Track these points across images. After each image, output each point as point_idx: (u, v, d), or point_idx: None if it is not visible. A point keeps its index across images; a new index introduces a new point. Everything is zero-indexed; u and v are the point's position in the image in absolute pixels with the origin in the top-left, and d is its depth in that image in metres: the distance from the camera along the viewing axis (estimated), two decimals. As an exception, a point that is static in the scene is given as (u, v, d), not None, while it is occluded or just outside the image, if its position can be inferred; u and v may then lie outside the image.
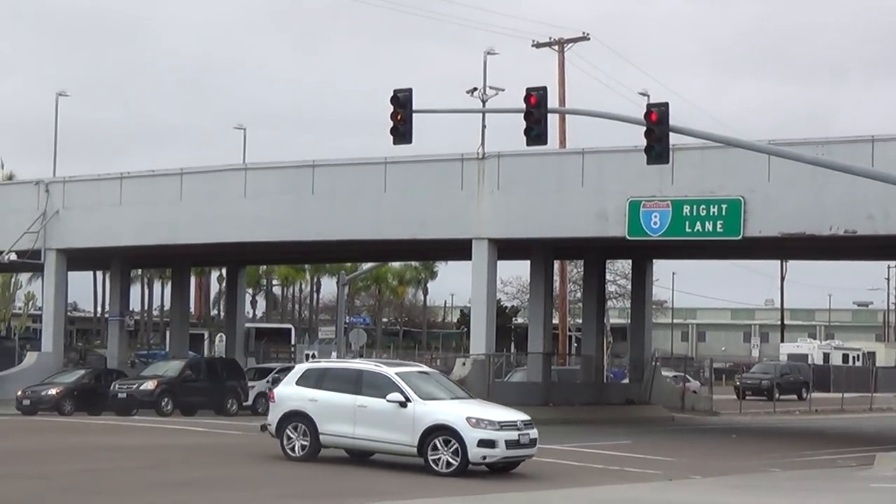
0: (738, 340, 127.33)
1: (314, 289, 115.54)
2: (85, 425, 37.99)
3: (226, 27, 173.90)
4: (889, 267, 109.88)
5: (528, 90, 30.56)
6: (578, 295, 70.80)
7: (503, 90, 54.61)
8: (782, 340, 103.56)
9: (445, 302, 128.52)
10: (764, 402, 65.23)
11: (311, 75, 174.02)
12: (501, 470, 24.54)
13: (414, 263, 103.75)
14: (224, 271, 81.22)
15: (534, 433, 24.59)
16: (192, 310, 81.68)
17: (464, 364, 42.65)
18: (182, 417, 43.87)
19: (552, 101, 34.59)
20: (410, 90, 31.46)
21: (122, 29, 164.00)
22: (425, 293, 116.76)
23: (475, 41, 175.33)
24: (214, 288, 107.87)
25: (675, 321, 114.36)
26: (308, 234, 46.46)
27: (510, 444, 24.07)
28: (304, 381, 26.13)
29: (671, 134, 30.05)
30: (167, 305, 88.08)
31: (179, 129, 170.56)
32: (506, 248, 44.77)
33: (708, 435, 43.15)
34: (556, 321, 63.85)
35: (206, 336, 79.45)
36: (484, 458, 24.05)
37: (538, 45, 65.15)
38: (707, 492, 23.78)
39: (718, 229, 38.83)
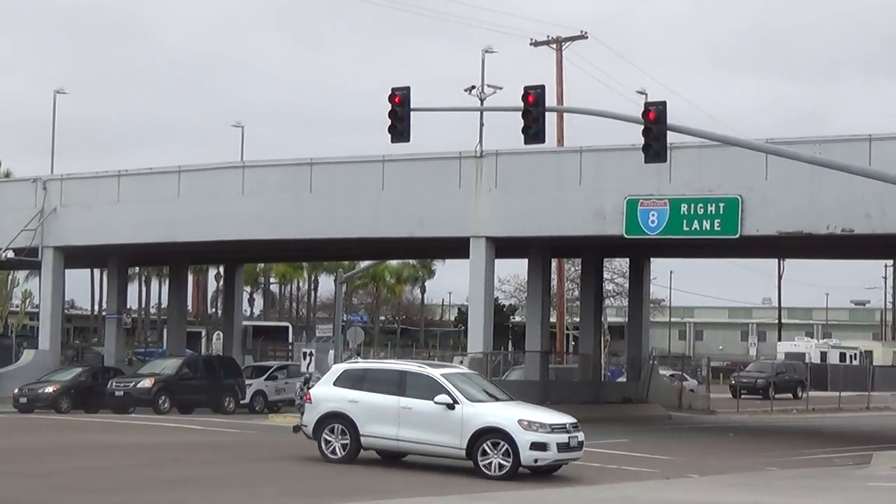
0: (736, 339, 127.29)
1: (312, 287, 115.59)
2: (82, 423, 38.00)
3: (225, 25, 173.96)
4: (886, 266, 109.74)
5: (526, 88, 30.54)
6: (576, 293, 70.76)
7: (501, 88, 54.53)
8: (780, 339, 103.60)
9: (443, 300, 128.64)
10: (760, 401, 65.25)
11: (309, 73, 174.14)
12: (545, 472, 24.32)
13: (412, 262, 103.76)
14: (222, 269, 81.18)
15: (581, 436, 24.48)
16: (189, 308, 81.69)
17: (461, 362, 42.58)
18: (179, 415, 43.89)
19: (550, 100, 34.65)
20: (408, 88, 31.45)
21: (120, 27, 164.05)
22: (423, 291, 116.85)
23: (473, 39, 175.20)
24: (212, 286, 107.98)
25: (672, 320, 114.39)
26: (306, 232, 46.43)
27: (561, 447, 23.95)
28: (342, 382, 25.70)
29: (669, 133, 30.01)
30: (165, 303, 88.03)
31: (178, 127, 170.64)
32: (503, 247, 44.77)
33: (705, 434, 43.15)
34: (553, 320, 63.87)
35: (203, 334, 79.46)
36: (535, 461, 23.85)
37: (536, 44, 65.13)
38: (704, 491, 23.79)
39: (716, 228, 38.83)
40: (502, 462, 23.72)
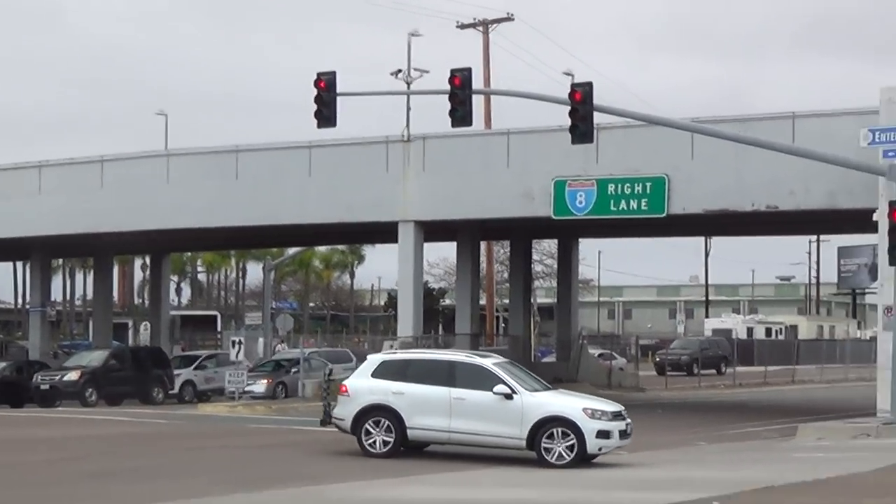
0: (664, 317, 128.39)
1: (240, 275, 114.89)
2: (7, 418, 37.47)
3: (149, 13, 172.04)
4: (810, 241, 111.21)
5: (453, 71, 30.57)
6: (506, 275, 70.96)
7: (428, 72, 54.53)
8: (707, 316, 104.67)
9: (373, 285, 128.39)
10: (687, 378, 65.81)
11: (237, 59, 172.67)
12: (587, 459, 23.86)
13: (340, 247, 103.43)
14: (148, 259, 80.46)
15: (631, 423, 24.44)
16: (115, 299, 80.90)
17: (391, 346, 42.55)
18: (107, 408, 43.44)
19: (477, 83, 34.57)
20: (334, 73, 31.35)
21: (42, 15, 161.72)
22: (352, 277, 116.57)
23: (400, 23, 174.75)
24: (138, 276, 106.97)
25: (601, 299, 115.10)
26: (233, 219, 46.09)
27: (621, 435, 23.89)
28: (381, 373, 24.89)
29: (596, 113, 30.20)
30: (90, 295, 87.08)
31: (103, 117, 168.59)
32: (432, 230, 44.76)
33: (634, 411, 42.70)
34: (483, 302, 63.96)
35: (130, 325, 78.72)
36: (600, 449, 23.66)
37: (462, 27, 65.01)
38: (634, 467, 23.91)
39: (643, 207, 39.08)
40: (566, 451, 23.45)
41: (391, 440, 24.34)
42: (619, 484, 21.08)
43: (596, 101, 29.96)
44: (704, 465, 24.87)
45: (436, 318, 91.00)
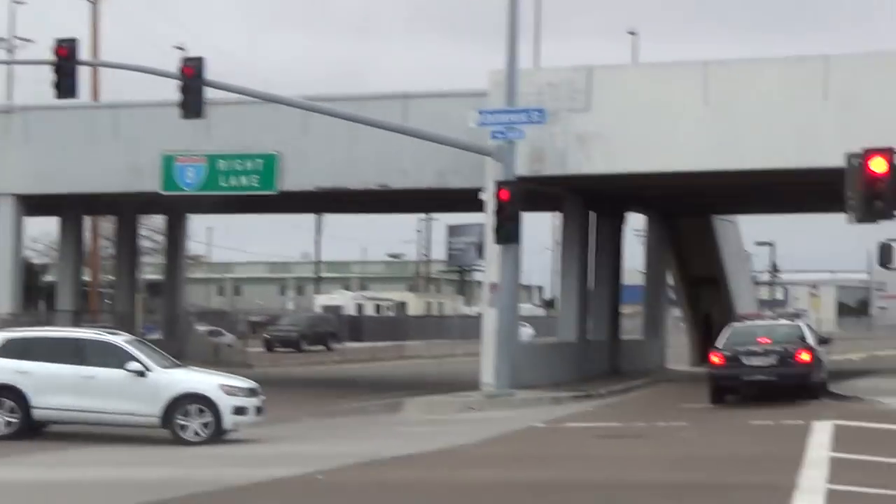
0: (275, 294, 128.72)
1: None
2: None
3: None
4: (420, 219, 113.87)
5: (58, 42, 29.81)
6: (112, 251, 69.07)
7: (31, 41, 52.13)
8: (318, 293, 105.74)
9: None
10: (294, 354, 66.16)
11: None
12: (222, 435, 23.73)
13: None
14: None
15: (265, 399, 24.61)
16: None
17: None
18: None
19: (86, 54, 33.65)
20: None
21: None
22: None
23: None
24: None
25: (212, 276, 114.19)
26: None
27: (257, 411, 24.10)
28: (5, 352, 23.99)
29: (209, 88, 29.99)
30: None
31: None
32: (35, 205, 43.12)
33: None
34: (88, 278, 62.15)
35: None
36: (236, 425, 23.90)
37: (70, -6, 62.50)
38: (241, 443, 23.71)
39: (254, 184, 39.03)
40: (201, 429, 23.40)
41: (15, 421, 23.67)
42: (228, 461, 20.91)
43: (212, 76, 29.98)
44: (311, 440, 25.15)
45: (38, 294, 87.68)
